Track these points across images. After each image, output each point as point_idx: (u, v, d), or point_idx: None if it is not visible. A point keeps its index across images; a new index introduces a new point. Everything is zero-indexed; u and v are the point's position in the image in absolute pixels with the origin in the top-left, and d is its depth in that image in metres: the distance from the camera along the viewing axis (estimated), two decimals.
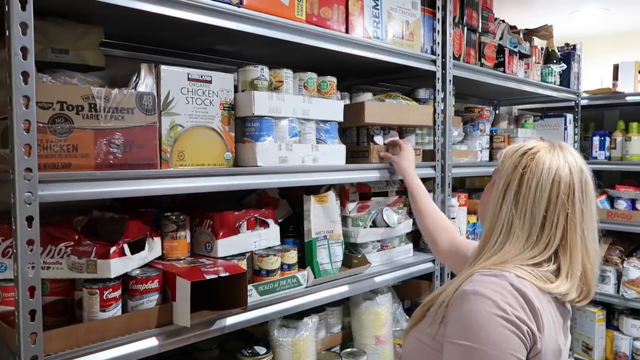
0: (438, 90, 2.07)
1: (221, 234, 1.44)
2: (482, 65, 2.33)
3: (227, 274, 1.30)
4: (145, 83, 1.23)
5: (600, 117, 3.70)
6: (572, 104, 3.30)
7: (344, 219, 1.83)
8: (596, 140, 3.30)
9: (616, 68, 3.29)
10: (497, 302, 0.90)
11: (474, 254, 1.10)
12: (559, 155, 1.05)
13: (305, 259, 1.67)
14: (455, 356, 0.91)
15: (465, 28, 2.21)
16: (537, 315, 0.91)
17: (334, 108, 1.67)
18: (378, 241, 1.93)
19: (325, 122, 1.64)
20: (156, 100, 1.24)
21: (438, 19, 2.04)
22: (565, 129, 3.15)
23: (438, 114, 2.07)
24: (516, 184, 1.04)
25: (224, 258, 1.44)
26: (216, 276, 1.28)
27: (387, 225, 1.91)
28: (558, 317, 0.99)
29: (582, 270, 1.02)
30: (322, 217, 1.69)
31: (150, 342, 1.22)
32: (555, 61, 2.98)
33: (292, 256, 1.58)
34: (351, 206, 1.87)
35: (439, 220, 1.66)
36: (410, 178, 1.77)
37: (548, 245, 1.01)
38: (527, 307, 0.91)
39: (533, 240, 1.01)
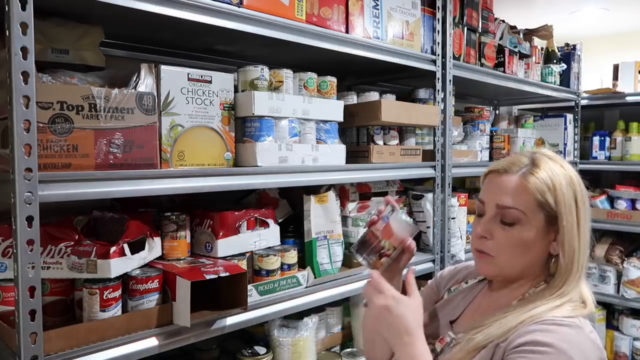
0: (438, 90, 2.07)
1: (221, 234, 1.44)
2: (482, 65, 2.33)
3: (227, 274, 1.30)
4: (145, 83, 1.23)
5: (600, 117, 3.70)
6: (572, 104, 3.30)
7: (344, 219, 1.83)
8: (596, 140, 3.30)
9: (616, 68, 3.29)
10: None
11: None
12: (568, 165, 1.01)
13: (305, 259, 1.66)
14: None
15: (465, 28, 2.21)
16: None
17: (334, 108, 1.67)
18: None
19: (325, 122, 1.64)
20: (156, 100, 1.24)
21: (438, 19, 2.04)
22: (565, 129, 3.15)
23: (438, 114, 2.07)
24: (581, 215, 0.97)
25: (224, 258, 1.44)
26: (216, 276, 1.28)
27: None
28: None
29: None
30: (322, 217, 1.69)
31: (150, 342, 1.22)
32: (555, 61, 2.98)
33: (292, 256, 1.58)
34: (351, 206, 1.87)
35: None
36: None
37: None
38: None
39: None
